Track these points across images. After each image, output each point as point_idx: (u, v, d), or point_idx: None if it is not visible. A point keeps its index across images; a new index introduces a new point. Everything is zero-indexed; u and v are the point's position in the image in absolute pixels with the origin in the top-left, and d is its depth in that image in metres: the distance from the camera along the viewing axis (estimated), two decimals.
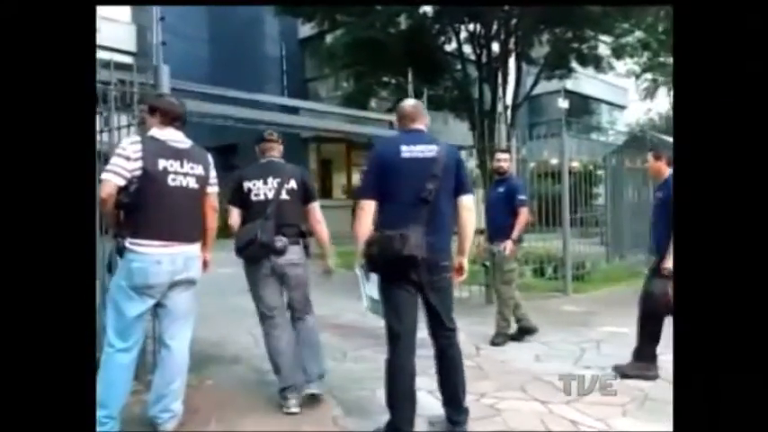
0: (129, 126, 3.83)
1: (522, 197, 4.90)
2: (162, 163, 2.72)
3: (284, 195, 3.33)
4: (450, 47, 13.18)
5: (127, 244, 2.68)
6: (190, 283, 2.89)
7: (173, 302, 2.84)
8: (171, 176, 2.75)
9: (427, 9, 12.61)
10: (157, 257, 2.69)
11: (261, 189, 3.32)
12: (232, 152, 15.84)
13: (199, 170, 2.87)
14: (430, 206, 2.71)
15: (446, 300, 2.87)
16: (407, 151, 2.77)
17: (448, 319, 2.87)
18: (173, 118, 2.87)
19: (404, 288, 2.75)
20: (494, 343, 4.74)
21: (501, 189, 4.97)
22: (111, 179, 2.62)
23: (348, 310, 6.24)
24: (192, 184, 2.84)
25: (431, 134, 2.97)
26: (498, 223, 4.97)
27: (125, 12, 19.11)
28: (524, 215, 4.91)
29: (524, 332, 4.97)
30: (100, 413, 2.63)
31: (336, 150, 16.84)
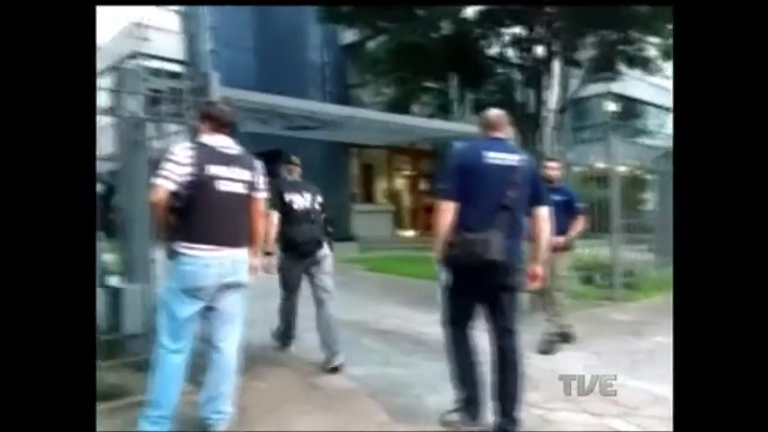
0: (177, 133, 3.92)
1: (581, 205, 4.98)
2: (211, 168, 2.75)
3: (316, 206, 4.38)
4: (493, 51, 13.06)
5: (177, 247, 2.73)
6: (238, 286, 2.91)
7: (222, 305, 2.87)
8: (220, 182, 2.77)
9: (469, 13, 12.55)
10: (206, 261, 2.73)
11: (300, 201, 4.27)
12: (276, 159, 16.08)
13: (247, 176, 2.89)
14: (509, 213, 2.83)
15: (515, 302, 3.00)
16: (491, 157, 2.88)
17: (512, 322, 2.96)
18: (223, 124, 2.91)
19: (474, 286, 2.94)
20: (543, 351, 4.63)
21: (555, 197, 4.87)
22: (162, 183, 2.67)
23: (390, 315, 6.23)
24: (241, 189, 2.86)
25: (513, 143, 3.11)
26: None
27: (173, 21, 19.70)
28: (582, 222, 4.97)
29: (564, 337, 4.88)
30: (154, 413, 2.70)
31: (377, 155, 16.88)
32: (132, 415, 2.88)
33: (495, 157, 2.89)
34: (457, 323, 3.05)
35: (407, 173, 18.17)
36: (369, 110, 13.28)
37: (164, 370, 2.75)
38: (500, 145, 2.97)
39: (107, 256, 4.52)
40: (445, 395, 3.33)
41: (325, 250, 4.35)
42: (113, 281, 4.09)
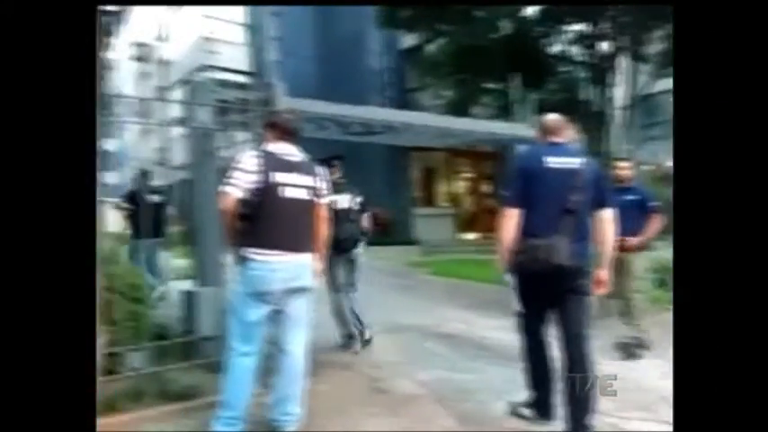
0: (245, 142, 4.05)
1: (656, 203, 4.79)
2: (277, 175, 2.83)
3: (354, 206, 4.69)
4: (555, 49, 12.75)
5: (244, 253, 2.82)
6: (304, 290, 2.97)
7: (289, 309, 2.94)
8: (285, 188, 2.85)
9: (529, 12, 12.33)
10: (272, 266, 2.80)
11: (340, 201, 4.52)
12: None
13: (310, 182, 2.96)
14: (573, 216, 2.81)
15: (584, 306, 2.95)
16: (552, 162, 2.89)
17: (582, 327, 2.92)
18: (287, 132, 2.99)
19: (543, 292, 2.94)
20: (619, 357, 4.47)
21: (628, 197, 4.70)
22: (231, 191, 2.77)
23: (452, 319, 6.17)
24: (305, 195, 2.92)
25: (575, 147, 3.10)
26: (624, 232, 4.72)
27: (240, 33, 20.44)
28: (658, 222, 4.76)
29: (639, 343, 4.68)
30: (226, 414, 2.80)
31: (438, 158, 16.81)
32: (206, 415, 2.99)
33: (556, 162, 2.90)
34: (529, 329, 3.08)
35: (468, 175, 17.99)
36: (429, 113, 13.29)
37: (234, 372, 2.84)
38: (560, 149, 2.98)
39: (181, 260, 4.73)
40: (511, 401, 3.29)
41: (360, 249, 4.72)
42: (187, 285, 4.27)
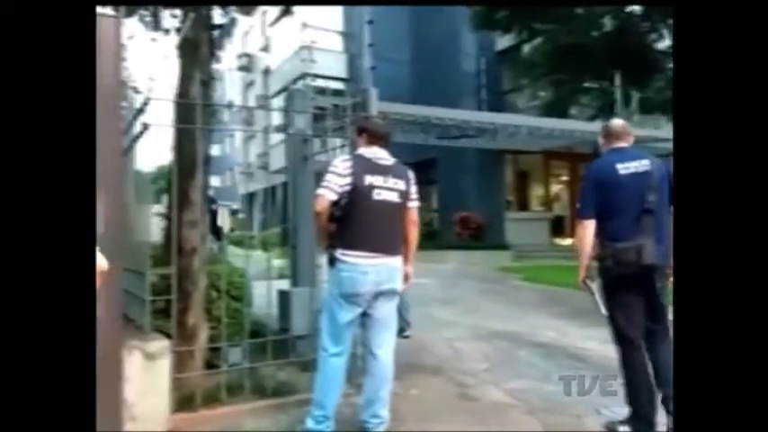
0: (342, 147, 4.16)
1: None
2: (368, 179, 2.87)
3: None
4: (663, 44, 12.02)
5: (337, 255, 2.88)
6: (393, 293, 2.99)
7: (378, 312, 2.97)
8: (376, 191, 2.88)
9: (635, 7, 11.72)
10: (364, 268, 2.84)
11: None
12: (432, 167, 16.32)
13: (401, 185, 2.97)
14: (653, 216, 2.90)
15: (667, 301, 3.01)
16: (623, 168, 2.99)
17: (666, 317, 2.98)
18: (378, 137, 3.03)
19: (634, 295, 2.98)
20: None
21: None
22: (325, 194, 2.84)
23: (546, 327, 5.99)
24: (395, 198, 2.94)
25: (638, 149, 3.19)
26: None
27: (337, 41, 21.04)
28: None
29: None
30: (317, 412, 2.87)
31: (532, 161, 16.39)
32: (299, 412, 3.10)
33: (628, 167, 3.00)
34: (627, 337, 3.03)
35: (565, 178, 17.38)
36: (524, 115, 12.97)
37: (325, 372, 2.91)
38: (628, 154, 3.08)
39: (278, 260, 4.93)
40: (607, 417, 3.16)
41: None
42: (283, 284, 4.44)
